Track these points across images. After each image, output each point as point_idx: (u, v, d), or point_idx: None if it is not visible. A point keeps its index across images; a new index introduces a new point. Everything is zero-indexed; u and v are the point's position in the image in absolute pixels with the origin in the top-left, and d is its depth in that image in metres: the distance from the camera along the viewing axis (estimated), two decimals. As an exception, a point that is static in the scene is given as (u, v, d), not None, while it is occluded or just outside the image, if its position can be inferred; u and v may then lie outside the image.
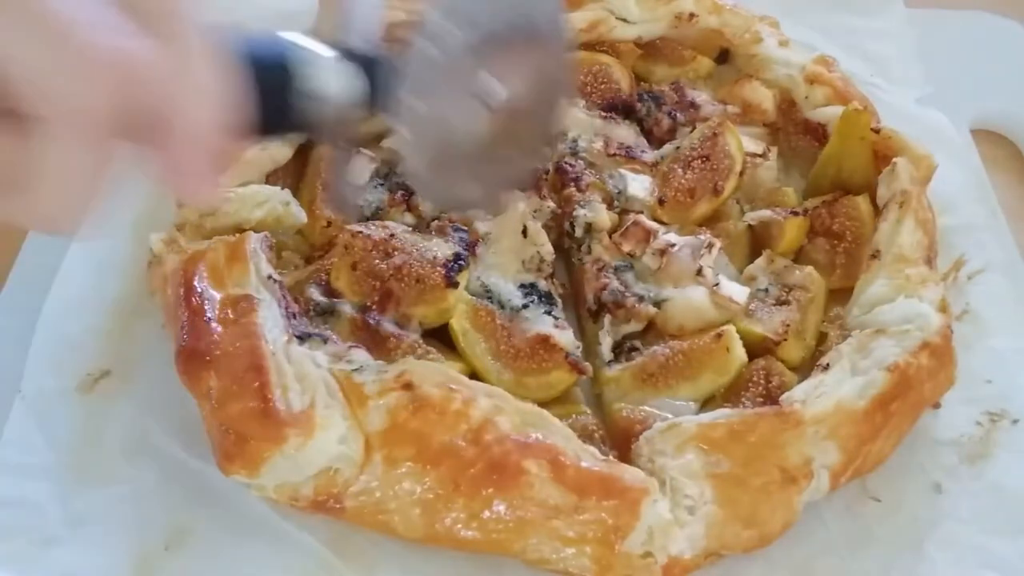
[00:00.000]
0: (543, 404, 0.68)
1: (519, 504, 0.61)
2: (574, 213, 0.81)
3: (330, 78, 0.56)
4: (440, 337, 0.74)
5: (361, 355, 0.68)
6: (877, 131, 0.84)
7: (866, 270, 0.77)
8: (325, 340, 0.69)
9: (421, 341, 0.72)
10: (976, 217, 0.89)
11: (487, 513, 0.61)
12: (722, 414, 0.67)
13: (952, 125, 0.96)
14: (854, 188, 0.85)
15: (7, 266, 0.82)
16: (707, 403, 0.72)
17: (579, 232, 0.81)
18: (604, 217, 0.80)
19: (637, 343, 0.76)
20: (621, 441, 0.70)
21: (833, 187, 0.86)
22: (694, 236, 0.80)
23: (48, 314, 0.78)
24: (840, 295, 0.79)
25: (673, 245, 0.78)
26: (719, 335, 0.73)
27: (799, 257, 0.83)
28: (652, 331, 0.77)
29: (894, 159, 0.82)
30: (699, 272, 0.77)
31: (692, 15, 0.94)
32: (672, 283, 0.78)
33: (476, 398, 0.65)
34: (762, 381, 0.72)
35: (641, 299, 0.77)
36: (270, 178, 0.80)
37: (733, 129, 0.86)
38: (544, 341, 0.72)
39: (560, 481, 0.62)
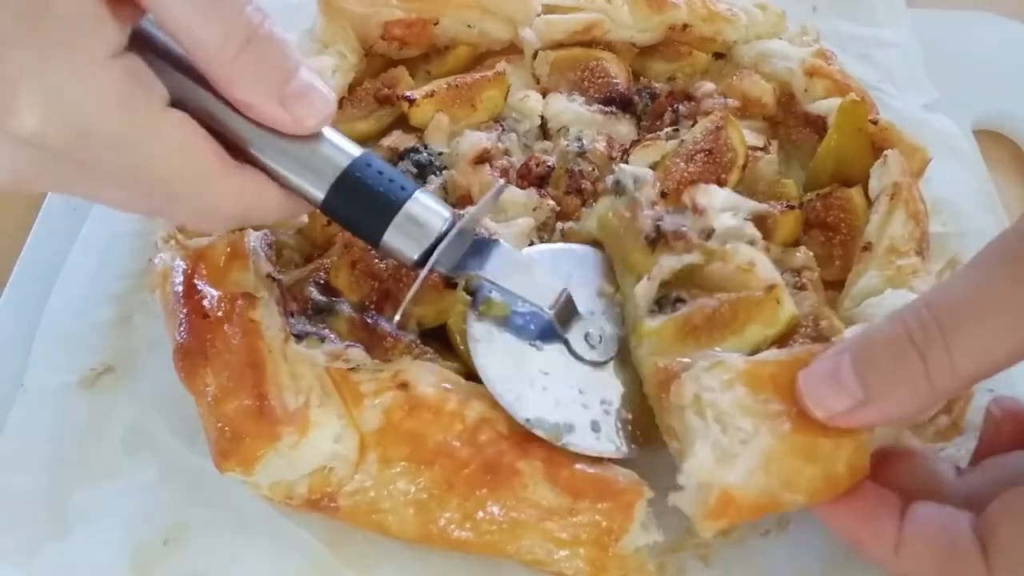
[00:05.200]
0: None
1: (513, 505, 0.62)
2: (620, 168, 0.77)
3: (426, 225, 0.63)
4: (438, 337, 0.74)
5: (358, 354, 0.69)
6: (875, 123, 0.84)
7: (857, 262, 0.77)
8: (323, 339, 0.70)
9: (418, 341, 0.72)
10: (982, 223, 0.88)
11: (481, 514, 0.62)
12: (771, 352, 0.63)
13: (960, 131, 0.95)
14: (853, 180, 0.84)
15: (11, 262, 0.82)
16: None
17: (628, 184, 0.76)
18: (645, 171, 0.78)
19: (684, 294, 0.71)
20: (654, 397, 0.66)
21: (832, 179, 0.85)
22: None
23: (51, 310, 0.79)
24: (839, 287, 0.79)
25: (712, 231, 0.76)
26: (771, 287, 0.69)
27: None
28: (694, 283, 0.72)
29: (886, 151, 0.82)
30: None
31: (686, 25, 0.95)
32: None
33: (471, 399, 0.65)
34: (811, 325, 0.69)
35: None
36: (270, 177, 0.80)
37: (735, 123, 0.86)
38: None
39: (554, 483, 0.62)
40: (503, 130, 0.88)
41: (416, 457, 0.62)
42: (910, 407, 0.54)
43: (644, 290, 0.70)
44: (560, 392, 0.67)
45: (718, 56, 0.99)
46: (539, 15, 0.95)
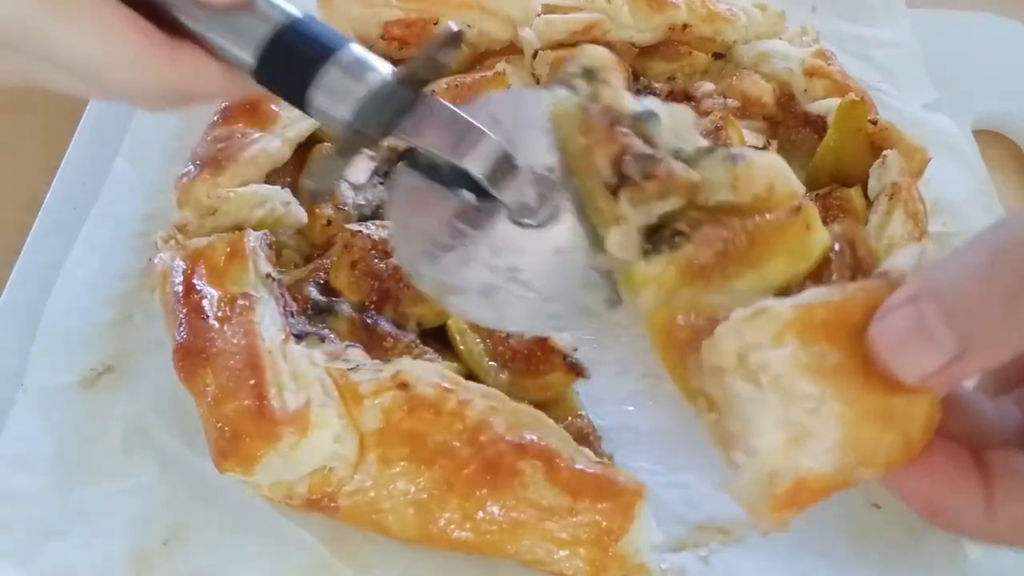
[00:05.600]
0: (539, 406, 0.68)
1: (513, 505, 0.62)
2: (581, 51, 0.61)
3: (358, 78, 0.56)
4: (438, 337, 0.74)
5: (358, 354, 0.69)
6: (874, 123, 0.84)
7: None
8: (322, 339, 0.70)
9: (418, 341, 0.72)
10: (982, 223, 0.88)
11: (481, 514, 0.62)
12: (818, 293, 0.48)
13: (960, 131, 0.96)
14: (852, 180, 0.85)
15: (11, 263, 0.82)
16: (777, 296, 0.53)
17: (580, 84, 0.59)
18: (604, 53, 0.61)
19: (682, 226, 0.54)
20: (670, 355, 0.52)
21: (831, 179, 0.86)
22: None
23: (52, 310, 0.78)
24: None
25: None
26: (797, 208, 0.54)
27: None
28: (695, 203, 0.55)
29: (884, 151, 0.82)
30: None
31: (686, 25, 0.95)
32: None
33: (471, 399, 0.65)
34: (847, 250, 0.55)
35: (691, 155, 0.55)
36: (270, 177, 0.80)
37: (735, 123, 0.86)
38: (542, 343, 0.72)
39: (554, 483, 0.62)
40: (503, 130, 0.88)
41: (416, 457, 0.62)
42: (1006, 356, 0.44)
43: (620, 244, 0.54)
44: (469, 250, 0.57)
45: (718, 56, 0.99)
46: (539, 15, 0.95)
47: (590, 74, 0.59)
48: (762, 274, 0.53)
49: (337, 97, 0.56)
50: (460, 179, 0.58)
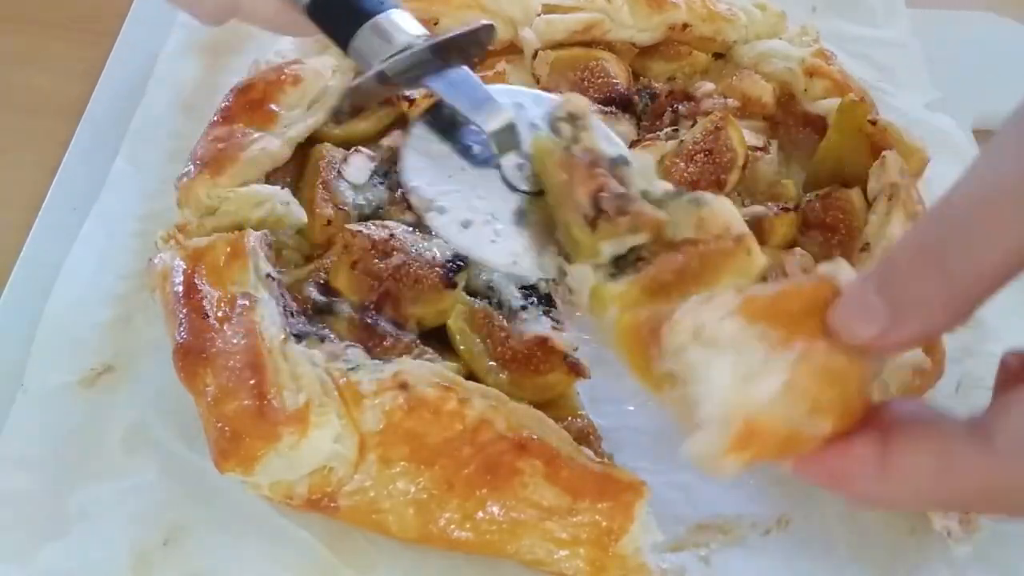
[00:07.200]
0: (539, 406, 0.68)
1: (513, 505, 0.62)
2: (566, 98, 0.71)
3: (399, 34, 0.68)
4: (438, 337, 0.74)
5: (357, 354, 0.69)
6: (874, 123, 0.84)
7: (856, 263, 0.77)
8: (322, 339, 0.70)
9: (418, 341, 0.72)
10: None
11: (481, 514, 0.62)
12: (758, 287, 0.56)
13: (960, 132, 0.96)
14: (852, 180, 0.85)
15: (11, 263, 0.82)
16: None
17: (564, 128, 0.68)
18: (585, 102, 0.70)
19: (644, 252, 0.62)
20: (635, 352, 0.58)
21: (832, 179, 0.86)
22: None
23: (52, 309, 0.78)
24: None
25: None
26: (740, 237, 0.62)
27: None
28: (659, 240, 0.64)
29: (883, 152, 0.82)
30: None
31: (686, 25, 0.95)
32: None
33: (472, 399, 0.65)
34: (778, 273, 0.70)
35: (658, 198, 0.64)
36: (270, 177, 0.80)
37: (735, 123, 0.86)
38: (542, 343, 0.72)
39: (554, 482, 0.62)
40: (503, 130, 0.88)
41: (416, 457, 0.62)
42: (940, 319, 0.48)
43: (588, 278, 0.63)
44: (460, 188, 0.68)
45: (718, 56, 0.99)
46: (539, 15, 0.95)
47: (573, 119, 0.68)
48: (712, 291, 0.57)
49: (372, 50, 0.68)
50: (466, 146, 0.70)
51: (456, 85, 0.68)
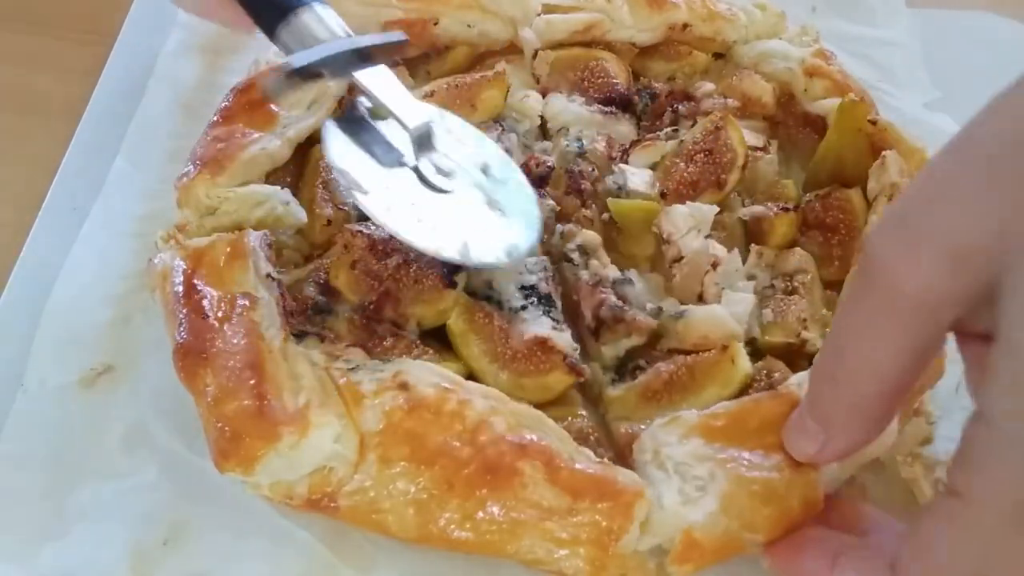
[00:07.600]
0: (539, 406, 0.68)
1: (513, 505, 0.61)
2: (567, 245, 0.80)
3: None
4: (438, 337, 0.74)
5: (358, 354, 0.69)
6: (874, 123, 0.84)
7: (855, 263, 0.77)
8: (322, 339, 0.70)
9: (418, 341, 0.72)
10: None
11: (481, 514, 0.61)
12: (721, 405, 0.67)
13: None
14: (852, 180, 0.85)
15: (11, 262, 0.82)
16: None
17: (575, 256, 0.79)
18: (593, 236, 0.80)
19: (642, 361, 0.74)
20: (623, 455, 0.69)
21: (831, 179, 0.86)
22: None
23: (52, 309, 0.79)
24: (838, 287, 0.79)
25: (682, 258, 0.79)
26: (725, 347, 0.72)
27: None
28: (657, 345, 0.76)
29: (883, 152, 0.82)
30: (700, 296, 0.78)
31: (686, 25, 0.95)
32: (679, 298, 0.78)
33: (472, 399, 0.65)
34: (763, 379, 0.72)
35: (653, 312, 0.76)
36: (270, 177, 0.80)
37: (735, 123, 0.86)
38: (542, 343, 0.72)
39: (554, 483, 0.62)
40: (503, 130, 0.88)
41: (416, 457, 0.62)
42: (858, 426, 0.56)
43: (598, 376, 0.75)
44: (391, 172, 0.74)
45: (718, 56, 0.99)
46: (539, 15, 0.95)
47: (583, 250, 0.79)
48: (701, 399, 0.70)
49: (297, 41, 0.71)
50: (373, 152, 0.75)
51: (380, 81, 0.72)
